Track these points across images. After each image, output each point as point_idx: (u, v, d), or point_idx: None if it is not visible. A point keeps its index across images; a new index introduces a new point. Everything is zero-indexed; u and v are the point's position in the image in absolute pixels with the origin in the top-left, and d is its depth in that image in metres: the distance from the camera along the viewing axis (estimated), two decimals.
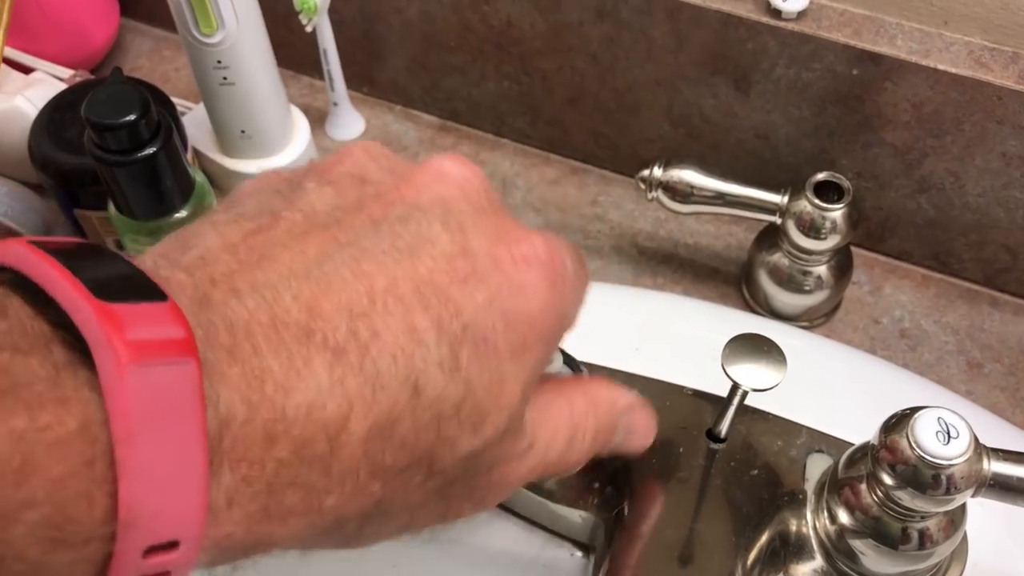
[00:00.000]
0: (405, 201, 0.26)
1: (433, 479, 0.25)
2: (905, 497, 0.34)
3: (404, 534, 0.27)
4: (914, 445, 0.33)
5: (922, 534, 0.36)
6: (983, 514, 0.38)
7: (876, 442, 0.35)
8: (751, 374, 0.36)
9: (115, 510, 0.19)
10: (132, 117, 0.42)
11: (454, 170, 0.27)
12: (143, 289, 0.21)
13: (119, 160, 0.43)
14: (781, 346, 0.37)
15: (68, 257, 0.20)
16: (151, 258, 0.24)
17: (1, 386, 0.18)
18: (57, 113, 0.52)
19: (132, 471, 0.19)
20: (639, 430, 0.34)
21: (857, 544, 0.37)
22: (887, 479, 0.34)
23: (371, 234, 0.24)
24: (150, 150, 0.44)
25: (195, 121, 0.58)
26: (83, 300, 0.19)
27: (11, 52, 0.60)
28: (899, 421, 0.34)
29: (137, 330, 0.19)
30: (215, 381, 0.21)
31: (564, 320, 0.27)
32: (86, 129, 0.43)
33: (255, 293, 0.22)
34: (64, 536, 0.19)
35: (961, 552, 0.39)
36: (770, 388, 0.36)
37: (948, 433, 0.33)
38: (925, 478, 0.33)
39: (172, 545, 0.20)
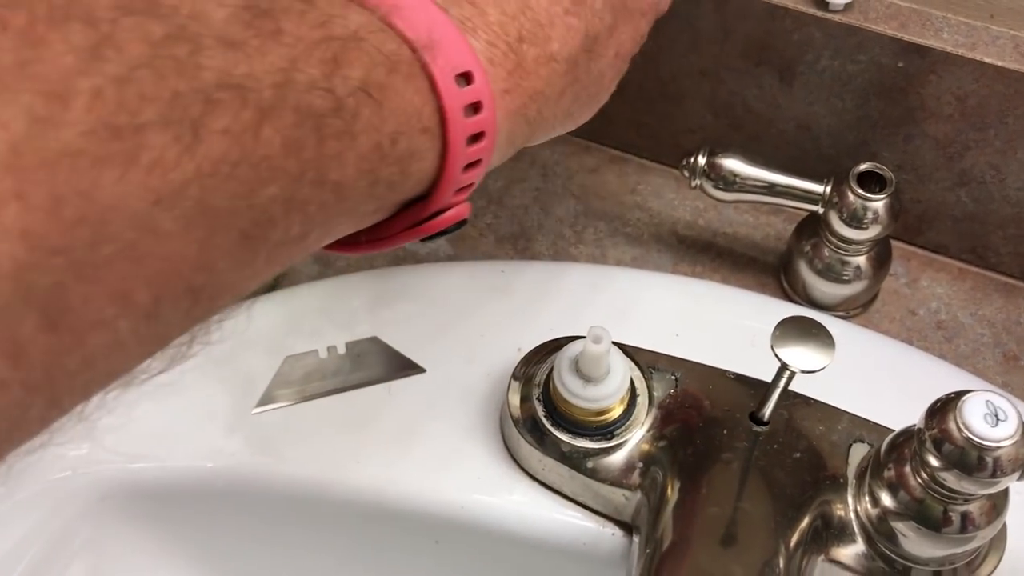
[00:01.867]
0: None
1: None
2: (950, 479, 0.35)
3: (619, 64, 0.39)
4: (962, 427, 0.33)
5: (964, 517, 0.36)
6: (1022, 503, 0.38)
7: (922, 424, 0.35)
8: (800, 356, 0.37)
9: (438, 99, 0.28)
10: None
11: None
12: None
13: None
14: None
15: None
16: None
17: None
18: None
19: (406, 18, 0.27)
20: None
21: (899, 526, 0.37)
22: (933, 461, 0.35)
23: None
24: None
25: None
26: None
27: None
28: (946, 403, 0.35)
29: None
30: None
31: None
32: None
33: None
34: (395, 64, 0.26)
35: (1000, 541, 0.40)
36: (819, 370, 0.37)
37: (996, 416, 0.34)
38: (971, 460, 0.34)
39: (469, 78, 0.29)
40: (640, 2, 0.38)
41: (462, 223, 0.32)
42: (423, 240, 0.31)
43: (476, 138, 0.30)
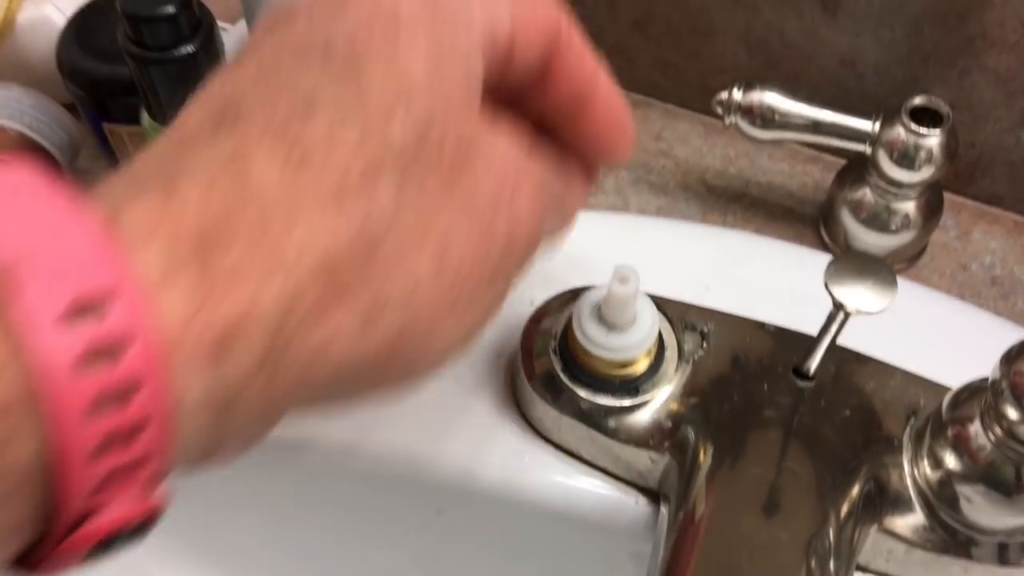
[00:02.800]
0: None
1: (407, 174, 0.22)
2: None
3: (443, 269, 0.23)
4: None
5: None
6: None
7: (999, 372, 0.31)
8: (856, 296, 0.32)
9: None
10: (171, 9, 0.39)
11: None
12: None
13: (156, 57, 0.40)
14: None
15: None
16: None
17: None
18: (88, 19, 0.49)
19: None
20: None
21: (965, 491, 0.33)
22: (1012, 412, 0.31)
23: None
24: (190, 48, 0.40)
25: (235, 41, 0.55)
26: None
27: None
28: None
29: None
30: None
31: None
32: (120, 25, 0.40)
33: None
34: None
35: None
36: (879, 311, 0.32)
37: None
38: None
39: (99, 307, 0.17)
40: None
41: (144, 527, 0.20)
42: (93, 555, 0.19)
43: (121, 399, 0.17)
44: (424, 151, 0.22)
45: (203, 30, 0.41)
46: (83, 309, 0.16)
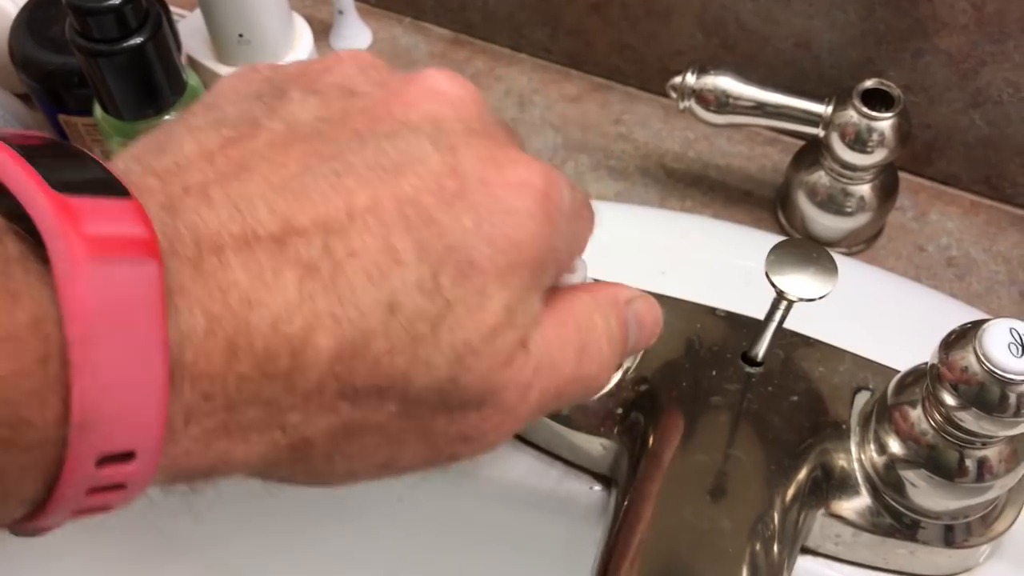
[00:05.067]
0: (393, 116, 0.24)
1: (409, 408, 0.23)
2: (968, 419, 0.31)
3: (385, 474, 0.26)
4: (983, 359, 0.30)
5: (981, 464, 0.33)
6: None
7: (937, 358, 0.31)
8: (798, 283, 0.32)
9: (68, 413, 0.18)
10: (117, 1, 0.39)
11: (448, 87, 0.25)
12: (107, 186, 0.20)
13: (104, 50, 0.40)
14: None
15: (29, 150, 0.19)
16: (123, 160, 0.23)
17: None
18: (40, 9, 0.48)
19: (87, 373, 0.18)
20: (647, 321, 0.30)
21: (909, 475, 0.34)
22: (948, 399, 0.31)
23: (356, 149, 0.23)
24: (137, 39, 0.40)
25: (191, 29, 0.54)
26: (38, 189, 0.18)
27: None
28: (964, 334, 0.31)
29: (96, 224, 0.18)
30: (175, 294, 0.19)
31: (555, 253, 0.25)
32: (68, 17, 0.40)
33: (229, 204, 0.21)
34: (15, 437, 0.18)
35: (1019, 492, 0.36)
36: (819, 298, 0.32)
37: (1021, 346, 0.29)
38: (993, 396, 0.30)
39: (127, 456, 0.19)
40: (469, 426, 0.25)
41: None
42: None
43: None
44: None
45: (152, 20, 0.40)
46: (112, 458, 0.19)
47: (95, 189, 0.19)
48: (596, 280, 0.34)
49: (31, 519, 0.19)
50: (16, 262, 0.18)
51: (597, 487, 0.39)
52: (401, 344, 0.22)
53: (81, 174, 0.19)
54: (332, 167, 0.22)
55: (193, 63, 0.54)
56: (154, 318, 0.19)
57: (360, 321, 0.21)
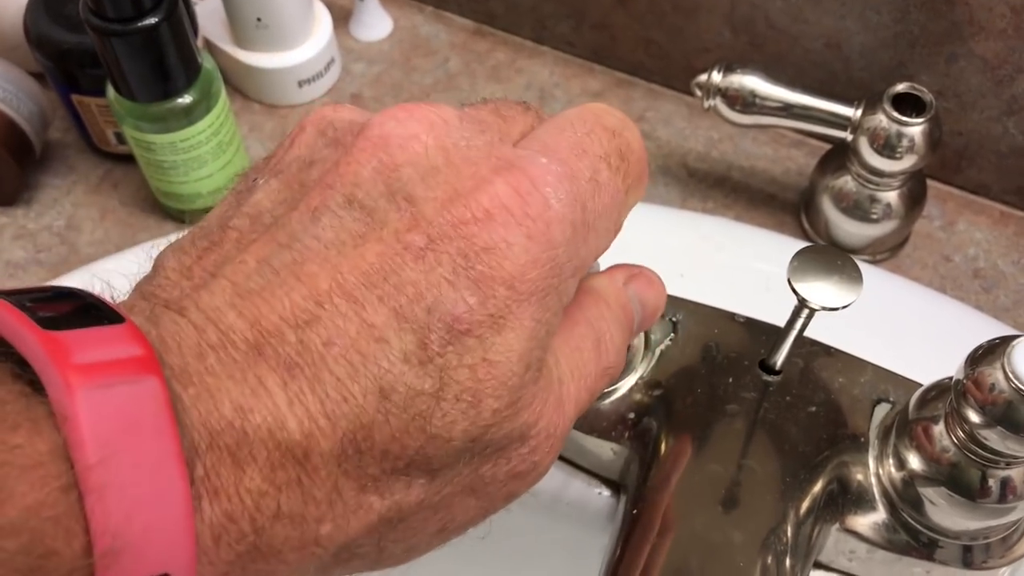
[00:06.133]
0: (345, 182, 0.22)
1: (441, 476, 0.22)
2: (993, 437, 0.30)
3: (446, 538, 0.25)
4: (1011, 376, 0.28)
5: (1004, 484, 0.32)
6: None
7: (962, 375, 0.30)
8: (821, 291, 0.31)
9: (91, 543, 0.17)
10: None
11: (395, 130, 0.23)
12: (99, 315, 0.19)
13: (118, 30, 0.39)
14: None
15: (22, 296, 0.19)
16: (132, 290, 0.23)
17: None
18: None
19: (104, 498, 0.17)
20: (649, 297, 0.29)
21: (928, 493, 0.33)
22: (973, 416, 0.30)
23: (310, 228, 0.22)
24: (151, 20, 0.39)
25: (209, 12, 0.53)
26: (27, 329, 0.18)
27: None
28: (992, 350, 0.30)
29: (86, 353, 0.18)
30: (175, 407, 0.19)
31: (558, 268, 0.23)
32: None
33: (200, 313, 0.21)
34: (44, 567, 0.17)
35: None
36: (843, 307, 0.31)
37: None
38: (1020, 415, 0.29)
39: None
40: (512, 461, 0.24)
41: None
42: None
43: None
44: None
45: (167, 1, 0.40)
46: None
47: (88, 321, 0.19)
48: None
49: None
50: (31, 397, 0.18)
51: (606, 492, 0.38)
52: (404, 425, 0.21)
53: (74, 308, 0.19)
54: (291, 256, 0.21)
55: (210, 46, 0.53)
56: (164, 431, 0.18)
57: (354, 414, 0.20)
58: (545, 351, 0.23)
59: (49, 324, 0.18)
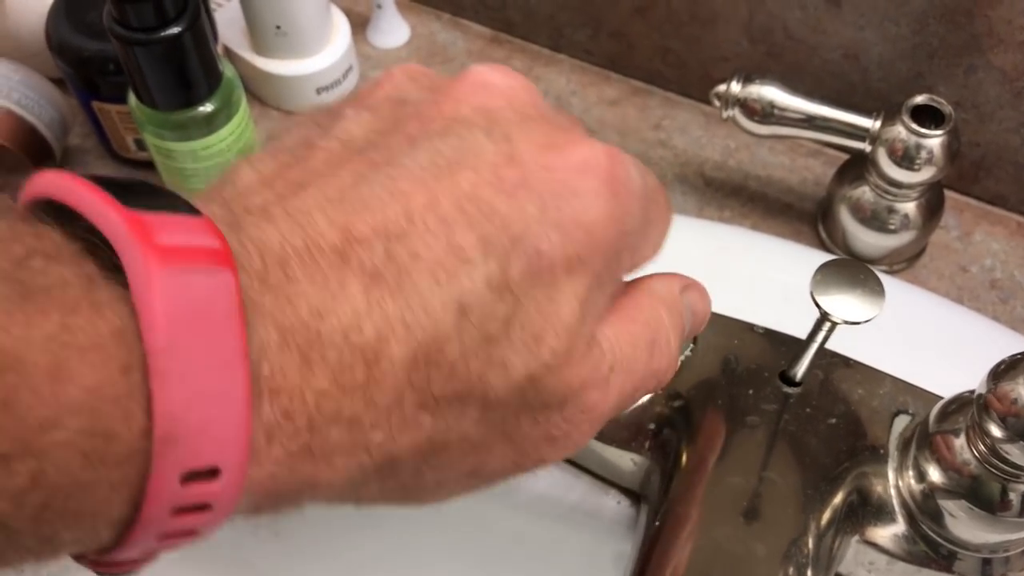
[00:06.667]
0: (445, 116, 0.24)
1: (491, 412, 0.23)
2: (1015, 452, 0.30)
3: (475, 484, 0.25)
4: None
5: None
6: None
7: (985, 387, 0.30)
8: (843, 305, 0.32)
9: (151, 425, 0.18)
10: None
11: (498, 79, 0.25)
12: (178, 205, 0.20)
13: (141, 39, 0.39)
14: None
15: (99, 179, 0.19)
16: (188, 195, 0.22)
17: (31, 286, 0.17)
18: None
19: (168, 383, 0.18)
20: (700, 309, 0.30)
21: (948, 505, 0.33)
22: (995, 430, 0.30)
23: (409, 152, 0.23)
24: (175, 29, 0.39)
25: (228, 19, 0.54)
26: (110, 208, 0.18)
27: None
28: (1015, 364, 0.30)
29: (168, 235, 0.18)
30: (246, 307, 0.19)
31: (627, 237, 0.24)
32: (106, 4, 0.39)
33: (288, 219, 0.21)
34: (103, 451, 0.17)
35: None
36: (865, 321, 0.31)
37: None
38: None
39: (212, 473, 0.19)
40: (549, 424, 0.24)
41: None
42: None
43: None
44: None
45: (190, 10, 0.40)
46: (198, 474, 0.18)
47: (166, 207, 0.19)
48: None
49: (117, 547, 0.19)
50: (99, 278, 0.18)
51: (625, 501, 0.39)
52: (475, 346, 0.21)
53: (151, 196, 0.19)
54: (387, 173, 0.22)
55: (230, 54, 0.53)
56: (233, 327, 0.18)
57: (431, 326, 0.21)
58: (597, 328, 0.24)
59: (131, 204, 0.18)
